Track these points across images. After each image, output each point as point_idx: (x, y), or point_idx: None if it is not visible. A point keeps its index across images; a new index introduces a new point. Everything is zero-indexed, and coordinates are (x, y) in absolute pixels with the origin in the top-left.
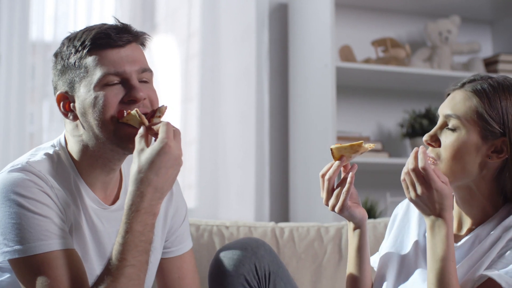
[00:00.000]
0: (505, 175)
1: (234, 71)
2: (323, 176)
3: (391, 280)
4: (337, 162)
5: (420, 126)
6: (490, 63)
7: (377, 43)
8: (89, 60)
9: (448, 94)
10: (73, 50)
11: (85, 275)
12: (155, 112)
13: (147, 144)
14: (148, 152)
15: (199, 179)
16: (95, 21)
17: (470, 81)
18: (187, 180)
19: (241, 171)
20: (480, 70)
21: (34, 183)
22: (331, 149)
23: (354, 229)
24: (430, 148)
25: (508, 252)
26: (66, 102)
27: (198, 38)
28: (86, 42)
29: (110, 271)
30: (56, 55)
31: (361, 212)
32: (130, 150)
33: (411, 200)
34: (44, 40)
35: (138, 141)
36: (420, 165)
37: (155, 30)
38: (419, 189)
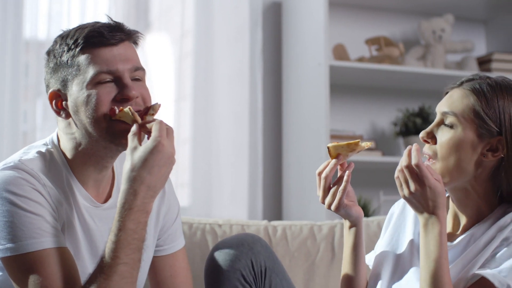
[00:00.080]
0: (500, 175)
1: (227, 70)
2: (319, 174)
3: (386, 279)
4: (333, 160)
5: (414, 124)
6: (484, 62)
7: (370, 41)
8: (82, 58)
9: (447, 93)
10: (65, 48)
11: (78, 273)
12: (148, 110)
13: (140, 142)
14: (141, 150)
15: (193, 177)
16: (89, 19)
17: (469, 80)
18: (181, 179)
19: (234, 169)
20: (474, 69)
21: (26, 181)
22: (328, 147)
23: (350, 227)
24: (426, 145)
25: (502, 251)
26: (58, 100)
27: (191, 37)
28: (79, 40)
29: (102, 269)
30: (48, 53)
31: (357, 211)
32: (124, 146)
33: (404, 197)
34: (38, 38)
35: (131, 139)
36: (413, 162)
37: (148, 29)
38: (412, 186)
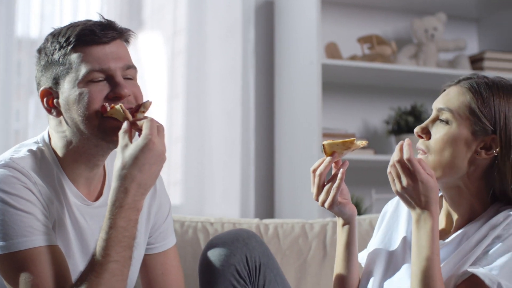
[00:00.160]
0: (493, 174)
1: (220, 68)
2: (314, 171)
3: (378, 276)
4: (328, 158)
5: (406, 123)
6: (476, 60)
7: (363, 40)
8: (74, 57)
9: (444, 90)
10: (57, 46)
11: (69, 271)
12: (139, 107)
13: (131, 139)
14: (132, 148)
15: (185, 176)
16: (81, 18)
17: (466, 79)
18: (173, 177)
19: (226, 168)
20: (466, 68)
21: (17, 180)
22: (323, 145)
23: (343, 225)
24: (420, 140)
25: (493, 249)
26: (49, 98)
27: (184, 35)
28: (71, 39)
29: (93, 266)
30: (39, 51)
31: (351, 209)
32: (115, 144)
33: (397, 193)
34: (30, 37)
35: (122, 137)
36: (405, 156)
37: (141, 27)
38: (404, 181)
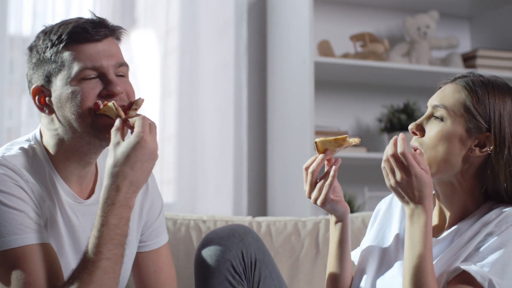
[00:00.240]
0: (487, 172)
1: (212, 66)
2: (306, 168)
3: (371, 274)
4: (321, 155)
5: (398, 121)
6: (468, 58)
7: (355, 38)
8: (66, 54)
9: (440, 88)
10: (49, 44)
11: (61, 269)
12: (131, 105)
13: (123, 137)
14: (124, 146)
15: (178, 174)
16: (74, 16)
17: (462, 77)
18: (166, 175)
19: (219, 165)
20: (459, 65)
21: (9, 177)
22: (316, 142)
23: (336, 222)
24: (414, 137)
25: (485, 245)
26: (41, 95)
27: (176, 33)
28: (63, 36)
29: (85, 264)
30: (31, 48)
31: (343, 206)
32: (107, 141)
33: (391, 187)
34: (23, 35)
35: (114, 134)
36: (399, 150)
37: (134, 26)
38: (398, 175)
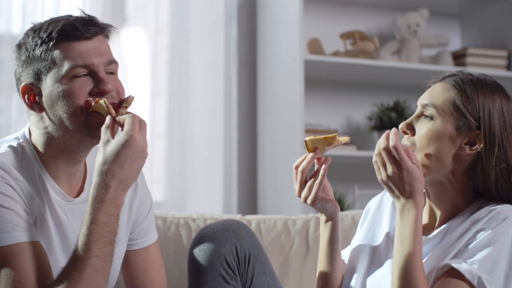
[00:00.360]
0: (477, 170)
1: (202, 65)
2: (296, 167)
3: (362, 272)
4: (310, 154)
5: (389, 119)
6: (459, 56)
7: (345, 36)
8: (56, 52)
9: (429, 87)
10: (39, 42)
11: (50, 267)
12: (122, 102)
13: (113, 135)
14: (113, 144)
15: (168, 172)
16: (64, 14)
17: (451, 75)
18: (156, 174)
19: (209, 164)
20: (449, 63)
21: None
22: (305, 141)
23: (326, 221)
24: (405, 136)
25: (474, 242)
26: (31, 93)
27: (167, 32)
28: (53, 34)
29: (75, 262)
30: (19, 46)
31: (333, 205)
32: (99, 139)
33: (382, 181)
34: (12, 33)
35: (104, 132)
36: (391, 143)
37: (124, 24)
38: (389, 169)
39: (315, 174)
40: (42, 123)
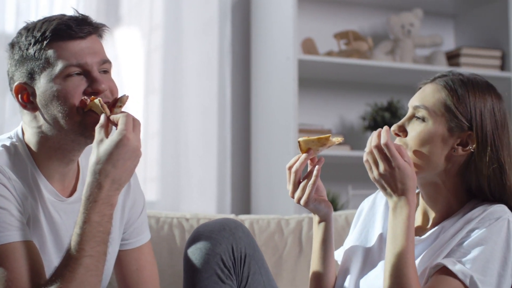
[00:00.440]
0: (470, 170)
1: (196, 64)
2: (289, 168)
3: (355, 273)
4: (304, 155)
5: (382, 119)
6: (452, 57)
7: (339, 36)
8: (50, 51)
9: (420, 88)
10: (32, 41)
11: (43, 267)
12: (116, 102)
13: (107, 134)
14: (107, 143)
15: (161, 172)
16: (57, 13)
17: (442, 76)
18: (149, 173)
19: (203, 163)
20: (443, 63)
21: None
22: (299, 142)
23: (319, 222)
24: (397, 138)
25: (467, 241)
26: (24, 93)
27: (160, 31)
28: (47, 33)
29: (68, 261)
30: (12, 45)
31: (327, 206)
32: (93, 138)
33: (374, 180)
34: (6, 32)
35: (98, 131)
36: (383, 141)
37: (118, 23)
38: (381, 167)
39: (308, 175)
40: (36, 123)
